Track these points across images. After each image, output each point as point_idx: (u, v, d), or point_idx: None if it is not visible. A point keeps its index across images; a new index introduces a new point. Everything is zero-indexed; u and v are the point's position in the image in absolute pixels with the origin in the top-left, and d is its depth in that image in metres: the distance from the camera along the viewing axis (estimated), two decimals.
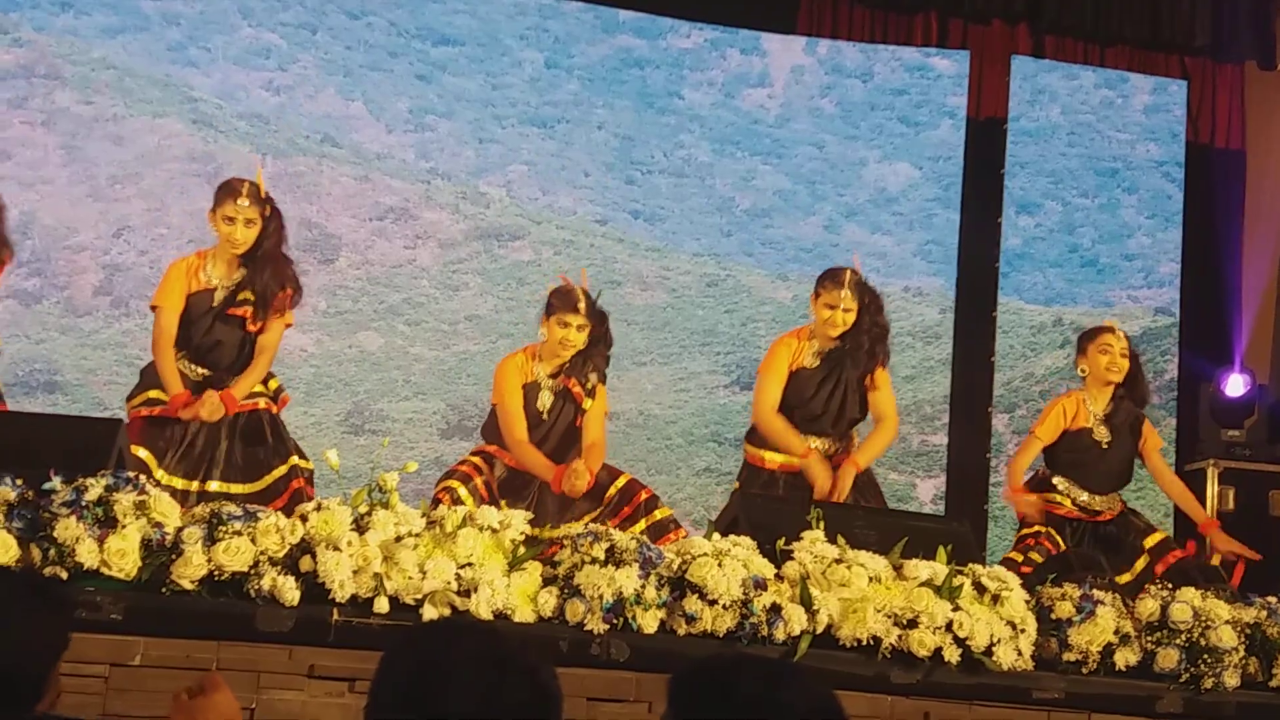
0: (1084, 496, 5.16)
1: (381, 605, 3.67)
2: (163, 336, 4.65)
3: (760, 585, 3.94)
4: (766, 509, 4.52)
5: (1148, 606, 4.30)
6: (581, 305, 4.78)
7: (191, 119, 7.34)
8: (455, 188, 7.55)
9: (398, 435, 7.20)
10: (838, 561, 4.06)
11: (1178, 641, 4.27)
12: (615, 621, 3.84)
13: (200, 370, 4.71)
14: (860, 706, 3.94)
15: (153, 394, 4.64)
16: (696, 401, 7.67)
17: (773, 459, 5.01)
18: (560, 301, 4.81)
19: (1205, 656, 4.28)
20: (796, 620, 3.93)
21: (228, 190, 4.73)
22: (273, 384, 4.82)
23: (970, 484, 7.40)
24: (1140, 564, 5.05)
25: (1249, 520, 7.07)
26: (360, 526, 3.72)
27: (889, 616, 3.99)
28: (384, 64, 7.48)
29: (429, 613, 3.69)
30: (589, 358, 4.81)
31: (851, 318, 4.91)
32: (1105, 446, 5.19)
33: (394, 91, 7.49)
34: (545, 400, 4.85)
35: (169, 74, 7.29)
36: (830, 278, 4.99)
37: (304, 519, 3.70)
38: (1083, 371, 5.23)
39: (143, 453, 4.43)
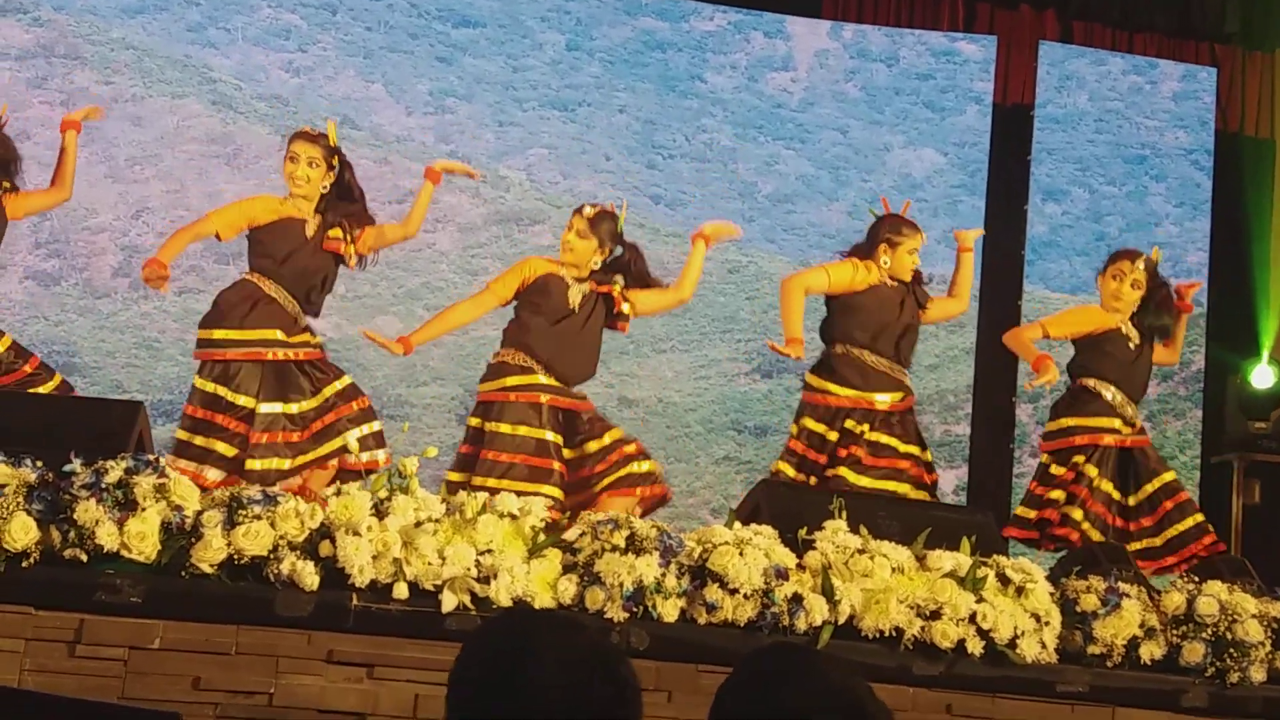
0: (1109, 393, 5.09)
1: (401, 591, 3.67)
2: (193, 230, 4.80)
3: (782, 575, 3.93)
4: (789, 497, 4.51)
5: (1174, 600, 4.28)
6: (587, 211, 4.88)
7: (211, 100, 7.36)
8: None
9: (416, 420, 7.21)
10: (860, 552, 4.05)
11: (1204, 635, 4.25)
12: (635, 610, 3.84)
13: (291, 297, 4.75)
14: (882, 698, 3.92)
15: (218, 334, 4.68)
16: (716, 389, 7.66)
17: (839, 393, 4.97)
18: (575, 214, 4.94)
19: (1231, 650, 4.26)
20: (818, 610, 3.92)
21: (296, 135, 4.92)
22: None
23: (993, 475, 7.37)
24: (1151, 486, 5.05)
25: (1275, 513, 7.03)
26: (380, 512, 3.73)
27: (912, 608, 3.98)
28: (404, 45, 7.48)
29: (448, 599, 3.69)
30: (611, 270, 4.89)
31: None
32: (1133, 348, 5.14)
33: (414, 73, 7.49)
34: (575, 297, 4.87)
35: (188, 54, 7.31)
36: None
37: (325, 501, 3.71)
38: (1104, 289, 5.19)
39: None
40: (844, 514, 4.17)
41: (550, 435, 4.72)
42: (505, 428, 4.69)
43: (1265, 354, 7.40)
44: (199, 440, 4.59)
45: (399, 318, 7.37)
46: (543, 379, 4.76)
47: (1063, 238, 7.74)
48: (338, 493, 3.74)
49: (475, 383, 7.36)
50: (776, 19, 7.82)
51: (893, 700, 3.87)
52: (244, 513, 3.62)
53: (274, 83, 7.38)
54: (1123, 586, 4.21)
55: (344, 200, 4.88)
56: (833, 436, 4.95)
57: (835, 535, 4.10)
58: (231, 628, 3.61)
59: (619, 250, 4.95)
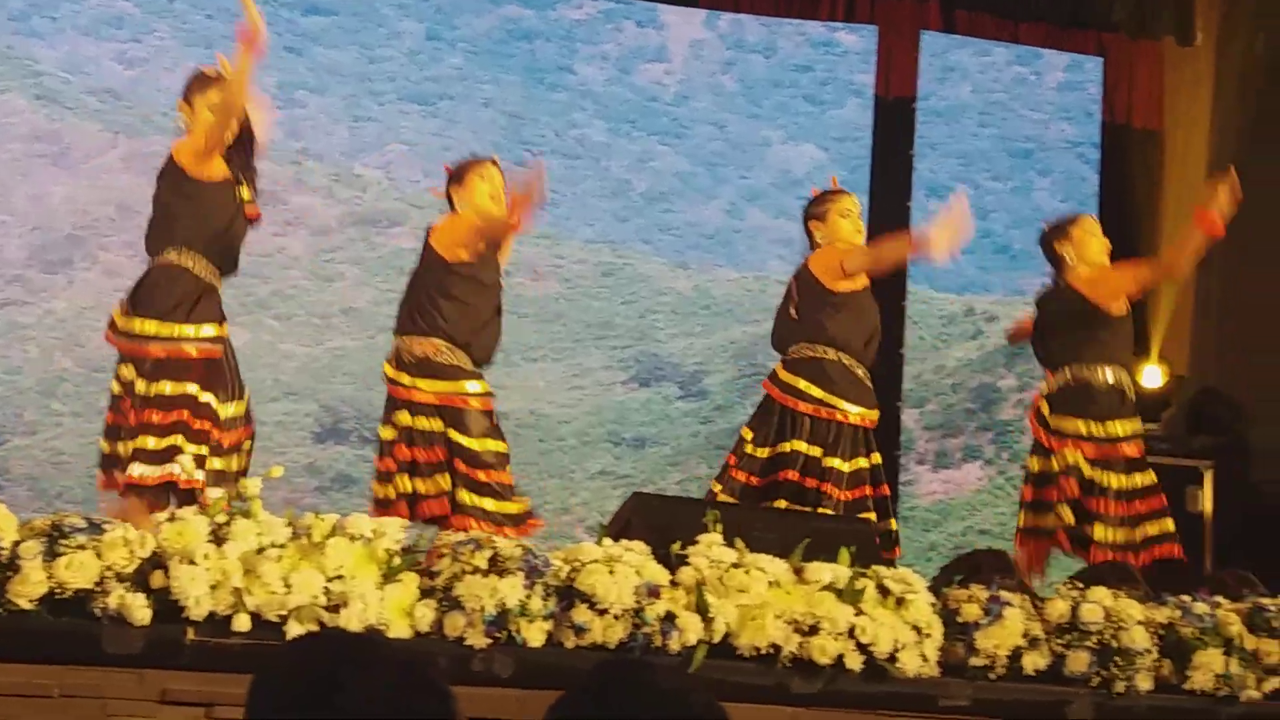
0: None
1: (242, 623, 3.63)
2: None
3: (654, 593, 3.97)
4: (661, 511, 4.56)
5: (1057, 608, 4.41)
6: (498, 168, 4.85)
7: (35, 94, 7.19)
8: (328, 169, 7.49)
9: (266, 439, 7.10)
10: (736, 566, 4.11)
11: (1088, 644, 4.38)
12: (498, 635, 3.85)
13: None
14: (760, 719, 3.99)
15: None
16: (592, 399, 7.70)
17: (809, 391, 4.98)
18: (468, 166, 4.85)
19: (1117, 659, 4.40)
20: (692, 629, 3.97)
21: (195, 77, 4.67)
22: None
23: None
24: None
25: None
26: (218, 537, 3.68)
27: (789, 623, 4.05)
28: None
29: (294, 630, 3.66)
30: None
31: None
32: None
33: (260, 65, 7.39)
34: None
35: (10, 45, 7.13)
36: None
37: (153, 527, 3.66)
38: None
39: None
40: (719, 527, 4.23)
41: None
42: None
43: (1155, 352, 7.64)
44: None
45: (246, 329, 7.26)
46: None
47: None
48: (171, 518, 3.68)
49: (332, 398, 7.33)
50: (649, 8, 7.90)
51: None
52: (66, 542, 3.55)
53: (105, 75, 7.24)
54: (1005, 595, 4.33)
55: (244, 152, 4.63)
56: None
57: (710, 549, 4.15)
58: (55, 668, 3.54)
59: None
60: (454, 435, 4.62)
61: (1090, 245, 5.26)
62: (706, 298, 7.88)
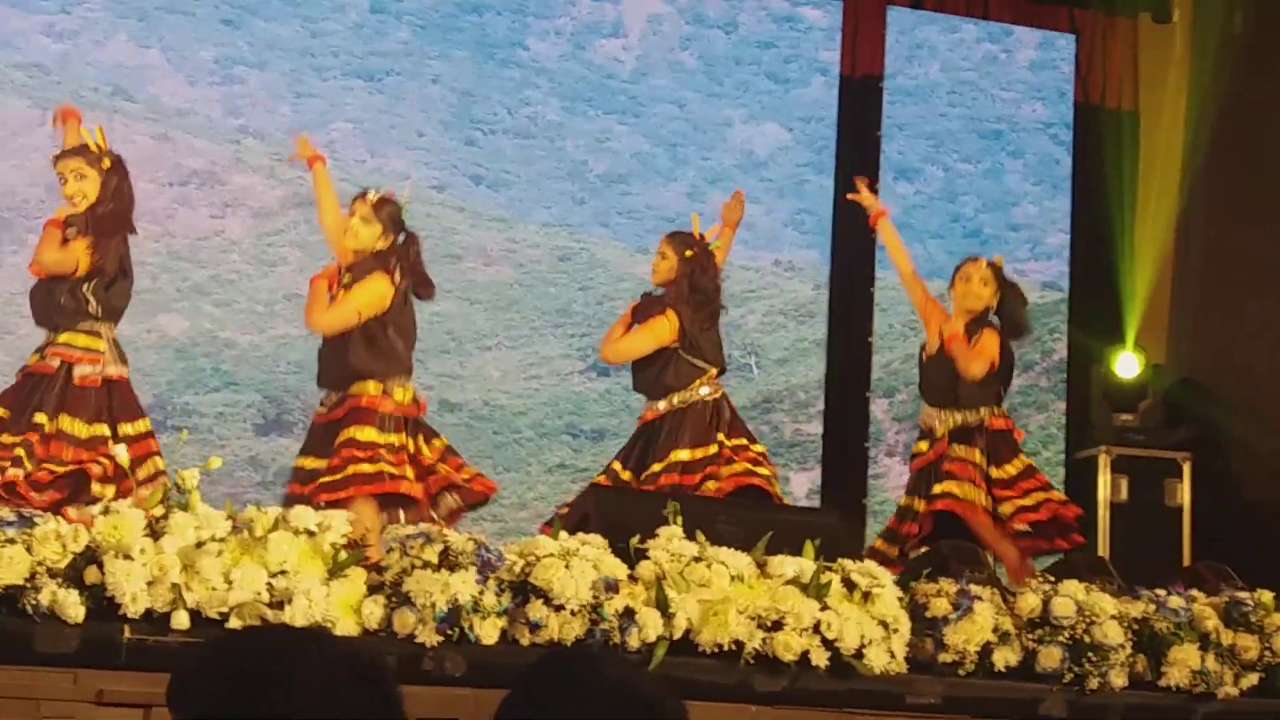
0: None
1: (181, 620, 3.63)
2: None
3: (612, 587, 3.99)
4: (620, 503, 4.58)
5: (1029, 601, 4.46)
6: (371, 197, 5.11)
7: None
8: (269, 149, 7.45)
9: (206, 432, 7.09)
10: (697, 560, 4.14)
11: (1061, 639, 4.44)
12: (450, 633, 3.86)
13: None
14: (722, 718, 4.02)
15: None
16: (549, 390, 7.71)
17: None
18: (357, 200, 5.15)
19: (1090, 654, 4.46)
20: (652, 625, 3.99)
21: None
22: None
23: (848, 476, 7.56)
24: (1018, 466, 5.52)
25: (1143, 511, 7.34)
26: (155, 532, 3.68)
27: (752, 619, 4.08)
28: (184, 6, 7.34)
29: (236, 627, 3.66)
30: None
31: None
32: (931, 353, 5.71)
33: (196, 38, 7.36)
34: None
35: None
36: None
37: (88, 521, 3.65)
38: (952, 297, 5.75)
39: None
40: (680, 519, 4.25)
41: None
42: None
43: (1131, 340, 7.72)
44: None
45: (183, 316, 7.24)
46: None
47: (916, 219, 7.97)
48: (105, 511, 3.68)
49: (275, 388, 7.29)
50: None
51: None
52: None
53: (33, 49, 7.17)
54: (974, 589, 4.37)
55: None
56: None
57: (670, 543, 4.18)
58: None
59: (401, 238, 5.14)
60: None
61: (958, 289, 5.74)
62: None
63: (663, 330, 5.39)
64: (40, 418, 4.73)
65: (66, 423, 4.76)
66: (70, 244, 4.90)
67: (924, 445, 5.63)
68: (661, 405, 5.38)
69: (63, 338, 4.87)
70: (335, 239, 5.22)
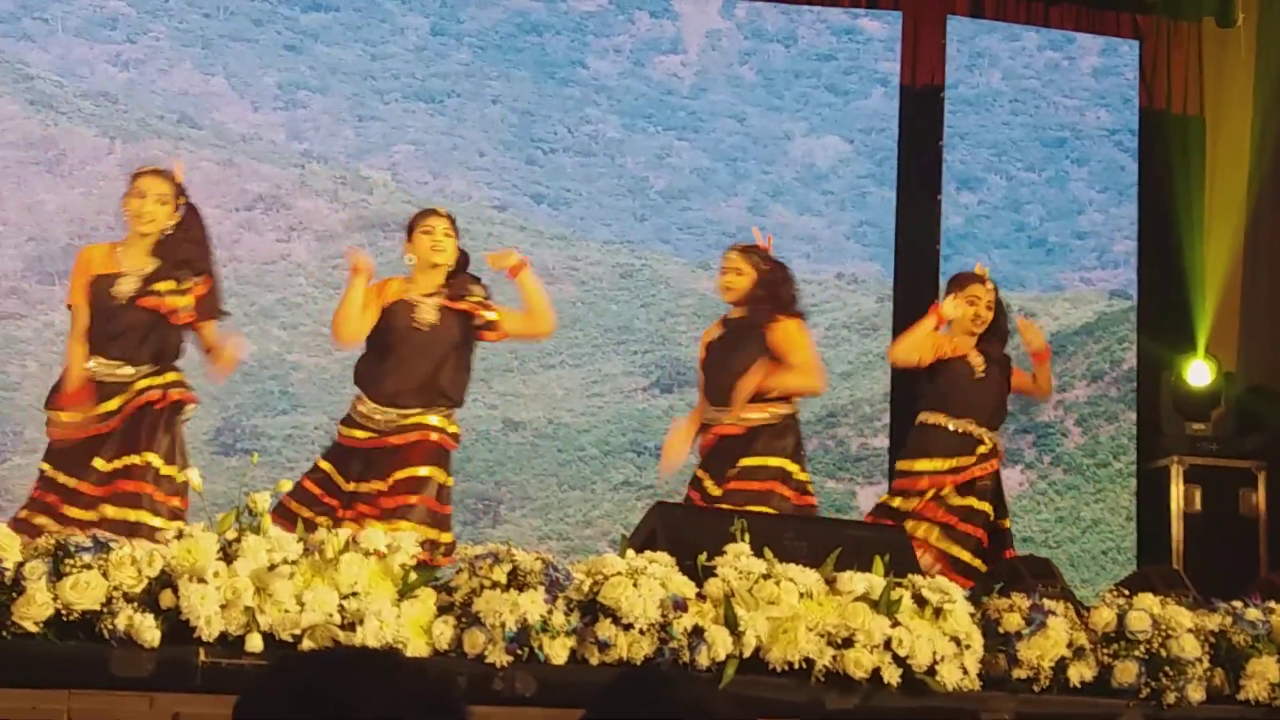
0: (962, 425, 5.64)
1: (255, 643, 3.66)
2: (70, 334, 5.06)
3: (680, 606, 3.98)
4: (686, 521, 4.57)
5: (1103, 616, 4.41)
6: (443, 213, 5.23)
7: (28, 99, 7.25)
8: (333, 172, 7.53)
9: (275, 454, 7.16)
10: (765, 577, 4.12)
11: (1136, 653, 4.38)
12: (520, 652, 3.86)
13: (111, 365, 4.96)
14: None
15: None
16: (613, 407, 7.73)
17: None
18: (418, 218, 5.25)
19: (1167, 668, 4.40)
20: (721, 643, 3.98)
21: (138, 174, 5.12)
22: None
23: None
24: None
25: (1217, 521, 7.24)
26: (228, 555, 3.71)
27: (822, 636, 4.05)
28: (247, 33, 7.45)
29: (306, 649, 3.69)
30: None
31: None
32: (980, 376, 5.70)
33: (260, 64, 7.46)
34: (425, 315, 5.18)
35: (0, 49, 7.20)
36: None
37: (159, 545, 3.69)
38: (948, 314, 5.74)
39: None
40: (747, 536, 4.24)
41: None
42: None
43: (1201, 348, 7.62)
44: None
45: (251, 339, 7.31)
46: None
47: (980, 229, 7.93)
48: (179, 535, 3.72)
49: (341, 410, 7.34)
50: None
51: None
52: (71, 562, 3.58)
53: (100, 78, 7.29)
54: (1048, 604, 4.33)
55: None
56: None
57: (738, 560, 4.16)
58: (62, 693, 3.57)
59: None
60: None
61: (965, 311, 5.75)
62: None
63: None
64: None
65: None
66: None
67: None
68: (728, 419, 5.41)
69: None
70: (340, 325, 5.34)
